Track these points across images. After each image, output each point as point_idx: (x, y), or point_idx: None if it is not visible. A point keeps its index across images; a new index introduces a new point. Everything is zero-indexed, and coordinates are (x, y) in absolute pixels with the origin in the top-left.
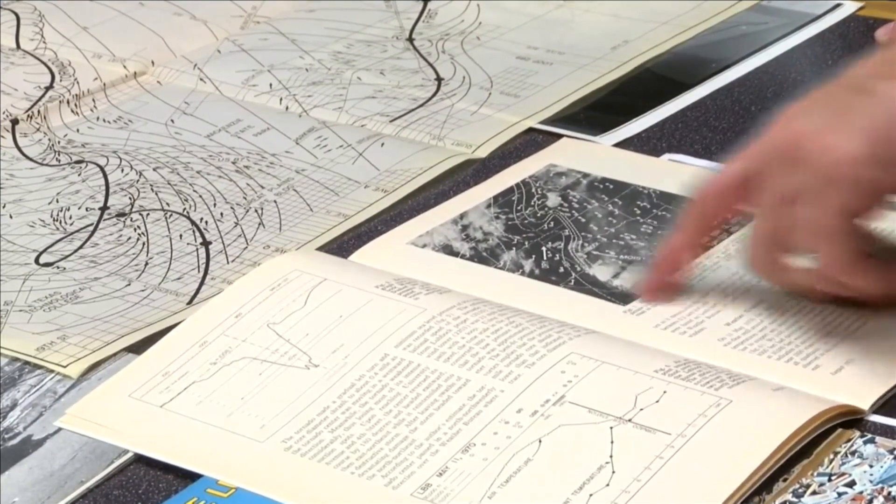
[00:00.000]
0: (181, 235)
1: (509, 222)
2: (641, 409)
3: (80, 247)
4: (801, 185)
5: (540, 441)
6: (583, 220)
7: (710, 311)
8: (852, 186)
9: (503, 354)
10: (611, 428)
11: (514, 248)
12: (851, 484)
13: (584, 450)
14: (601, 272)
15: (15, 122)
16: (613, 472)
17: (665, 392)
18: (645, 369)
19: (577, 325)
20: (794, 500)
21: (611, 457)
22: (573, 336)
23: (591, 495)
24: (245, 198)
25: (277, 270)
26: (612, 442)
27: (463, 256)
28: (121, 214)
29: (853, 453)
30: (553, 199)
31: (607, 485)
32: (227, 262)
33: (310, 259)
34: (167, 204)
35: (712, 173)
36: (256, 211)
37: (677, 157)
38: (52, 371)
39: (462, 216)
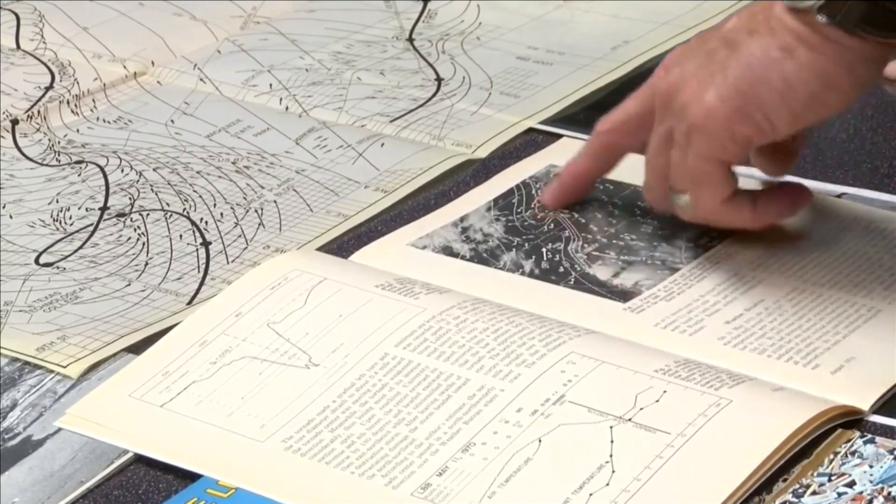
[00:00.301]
0: (181, 236)
1: (509, 224)
2: (641, 409)
3: (80, 247)
4: (674, 132)
5: (540, 440)
6: (583, 220)
7: (710, 309)
8: (712, 137)
9: (503, 354)
10: (611, 427)
11: (514, 250)
12: (851, 484)
13: (584, 449)
14: (601, 272)
15: (15, 122)
16: (613, 471)
17: (665, 392)
18: (645, 369)
19: (576, 324)
20: (794, 500)
21: (611, 456)
22: (573, 336)
23: (590, 495)
24: (245, 198)
25: (277, 270)
26: (611, 441)
27: (463, 257)
28: (121, 214)
29: (853, 453)
30: None
31: (607, 484)
32: (227, 263)
33: (310, 259)
34: (167, 204)
35: (613, 111)
36: (256, 211)
37: None
38: (52, 371)
39: (462, 219)
